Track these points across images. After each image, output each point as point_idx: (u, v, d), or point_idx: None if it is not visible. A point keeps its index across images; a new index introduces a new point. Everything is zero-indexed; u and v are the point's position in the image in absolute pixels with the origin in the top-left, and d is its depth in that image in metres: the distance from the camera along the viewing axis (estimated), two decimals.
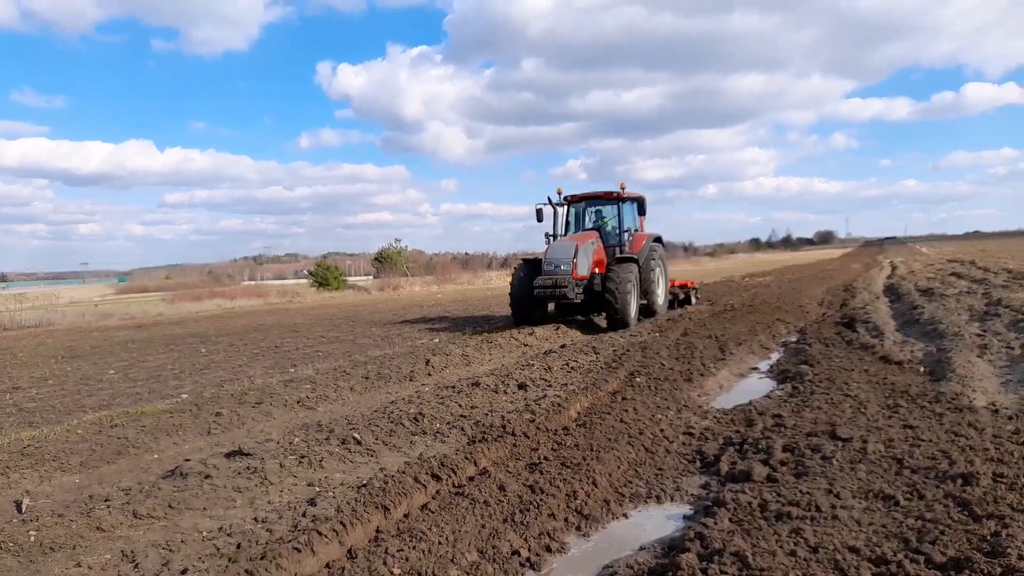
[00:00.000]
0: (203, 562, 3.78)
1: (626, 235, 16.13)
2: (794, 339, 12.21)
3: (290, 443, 6.21)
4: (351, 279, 50.10)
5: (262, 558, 3.77)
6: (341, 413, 7.68)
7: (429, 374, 10.17)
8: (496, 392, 8.23)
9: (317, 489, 5.01)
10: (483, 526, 4.33)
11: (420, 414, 7.03)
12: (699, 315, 16.04)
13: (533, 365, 9.93)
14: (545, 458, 5.62)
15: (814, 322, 14.17)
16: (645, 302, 15.43)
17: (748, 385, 8.99)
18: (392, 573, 3.72)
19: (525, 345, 12.86)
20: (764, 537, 3.86)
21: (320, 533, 4.06)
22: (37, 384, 10.82)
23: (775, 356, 10.93)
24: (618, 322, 14.10)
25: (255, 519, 4.45)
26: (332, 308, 27.42)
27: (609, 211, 16.84)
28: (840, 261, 51.51)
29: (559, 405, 7.18)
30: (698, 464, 5.61)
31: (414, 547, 3.99)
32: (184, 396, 8.97)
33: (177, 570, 3.69)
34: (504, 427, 6.37)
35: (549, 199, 16.23)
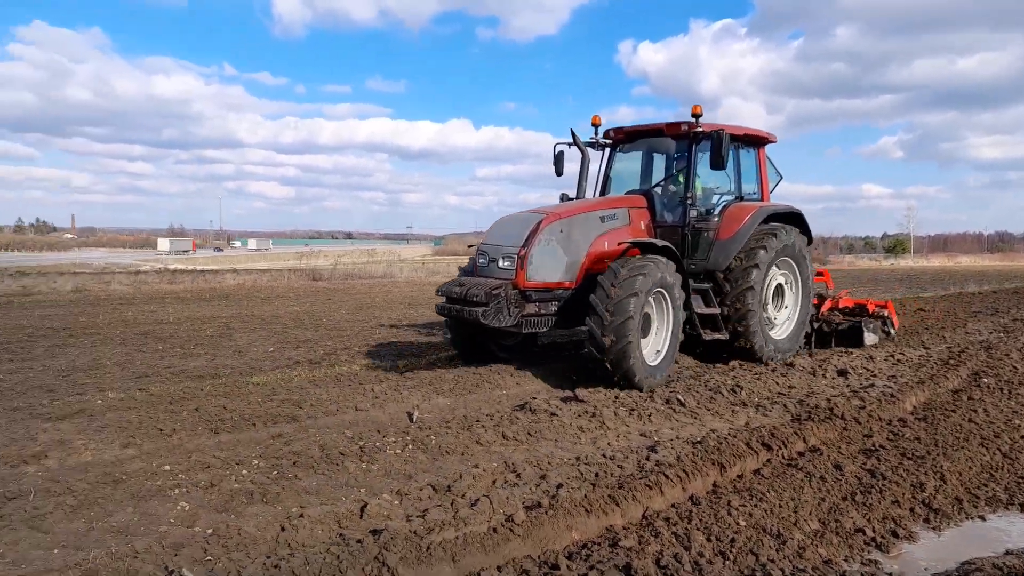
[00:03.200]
0: (572, 482, 4.43)
1: (700, 202, 8.82)
2: None
3: (616, 396, 6.83)
4: None
5: (620, 487, 4.30)
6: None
7: None
8: (813, 375, 8.01)
9: (654, 440, 5.46)
10: (822, 499, 4.40)
11: (738, 386, 7.17)
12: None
13: (852, 352, 9.41)
14: (881, 446, 5.44)
15: None
16: (724, 336, 8.49)
17: None
18: (737, 523, 3.99)
19: None
20: None
21: (666, 476, 4.49)
22: (397, 324, 13.07)
23: None
24: (611, 376, 7.08)
25: (603, 455, 5.04)
26: None
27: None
28: None
29: (892, 396, 6.80)
30: None
31: (755, 505, 4.22)
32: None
33: (553, 484, 4.38)
34: (831, 410, 6.26)
35: (574, 135, 9.19)
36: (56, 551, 3.54)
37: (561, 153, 9.59)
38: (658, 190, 9.13)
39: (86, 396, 6.83)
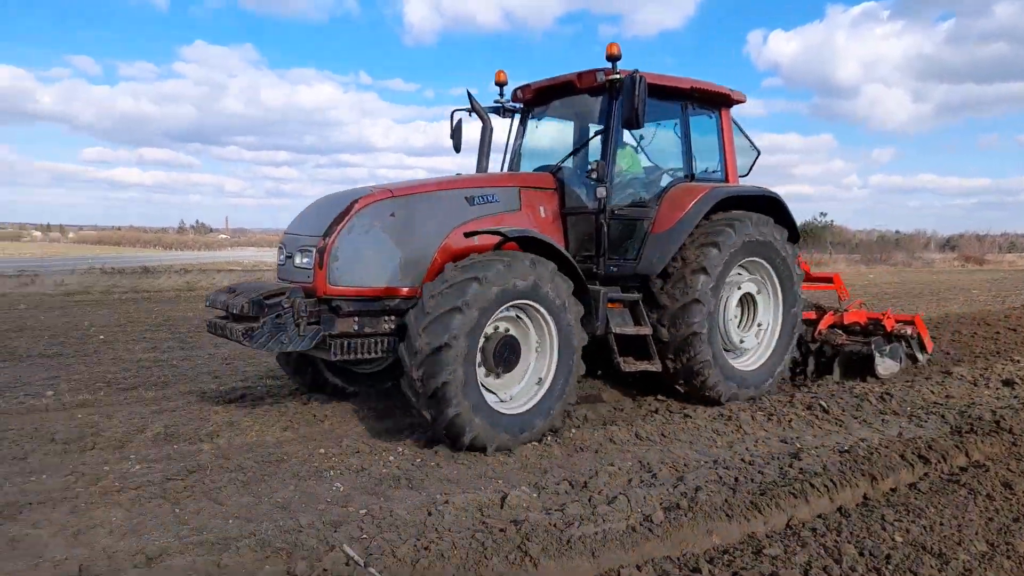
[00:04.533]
0: (710, 485, 4.35)
1: (629, 180, 6.81)
2: None
3: (752, 398, 6.62)
4: None
5: (762, 494, 4.18)
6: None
7: None
8: (975, 385, 7.37)
9: (796, 447, 5.25)
10: (990, 519, 4.06)
11: (887, 394, 6.73)
12: None
13: (1020, 361, 8.56)
14: None
15: None
16: (653, 367, 6.28)
17: None
18: (893, 539, 3.77)
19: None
20: None
21: (812, 485, 4.31)
22: None
23: None
24: (443, 434, 5.02)
25: (742, 460, 4.91)
26: None
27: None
28: None
29: None
30: None
31: (912, 521, 3.96)
32: None
33: (691, 486, 4.32)
34: (997, 423, 5.74)
35: (470, 98, 7.24)
36: (231, 521, 3.91)
37: (460, 122, 7.35)
38: (570, 165, 6.83)
39: (248, 382, 7.47)
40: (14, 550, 3.55)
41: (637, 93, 5.68)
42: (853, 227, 61.23)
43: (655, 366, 6.25)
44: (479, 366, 5.14)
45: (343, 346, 5.18)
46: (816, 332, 8.01)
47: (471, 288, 4.88)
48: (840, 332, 8.08)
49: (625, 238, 6.54)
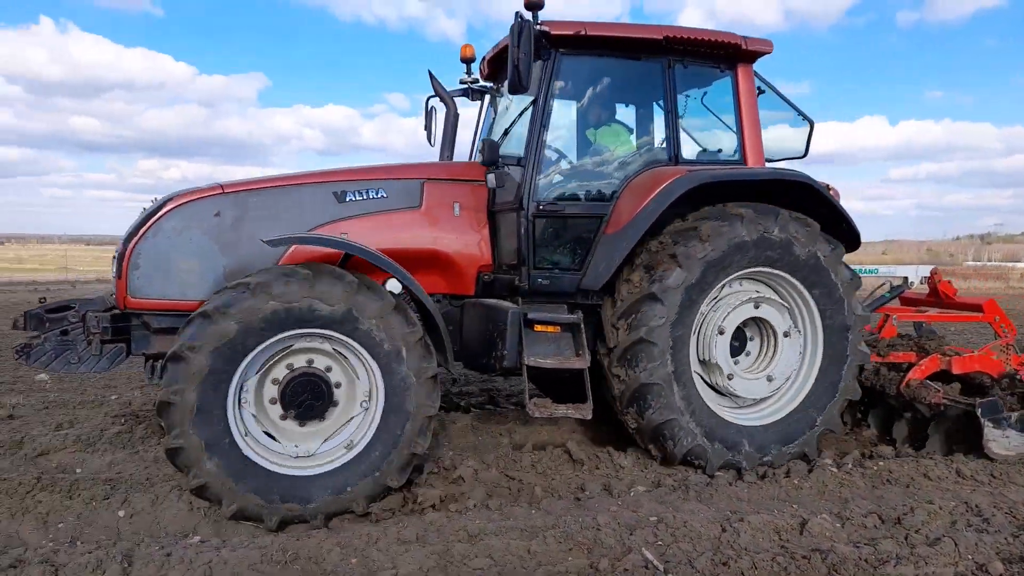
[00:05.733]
0: None
1: (581, 166, 5.55)
2: None
3: None
4: None
5: None
6: None
7: None
8: None
9: None
10: None
11: None
12: None
13: None
14: None
15: None
16: (581, 413, 4.74)
17: None
18: None
19: None
20: None
21: None
22: None
23: None
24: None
25: None
26: None
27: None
28: None
29: None
30: None
31: None
32: None
33: None
34: None
35: (432, 79, 6.06)
36: (534, 511, 4.24)
37: (433, 110, 6.30)
38: (504, 151, 5.40)
39: None
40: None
41: (519, 45, 4.46)
42: None
43: (580, 412, 4.74)
44: (272, 403, 4.22)
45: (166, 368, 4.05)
46: (903, 383, 5.49)
47: (241, 300, 3.96)
48: (934, 387, 5.32)
49: (567, 242, 5.20)
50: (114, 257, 4.59)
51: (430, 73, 5.88)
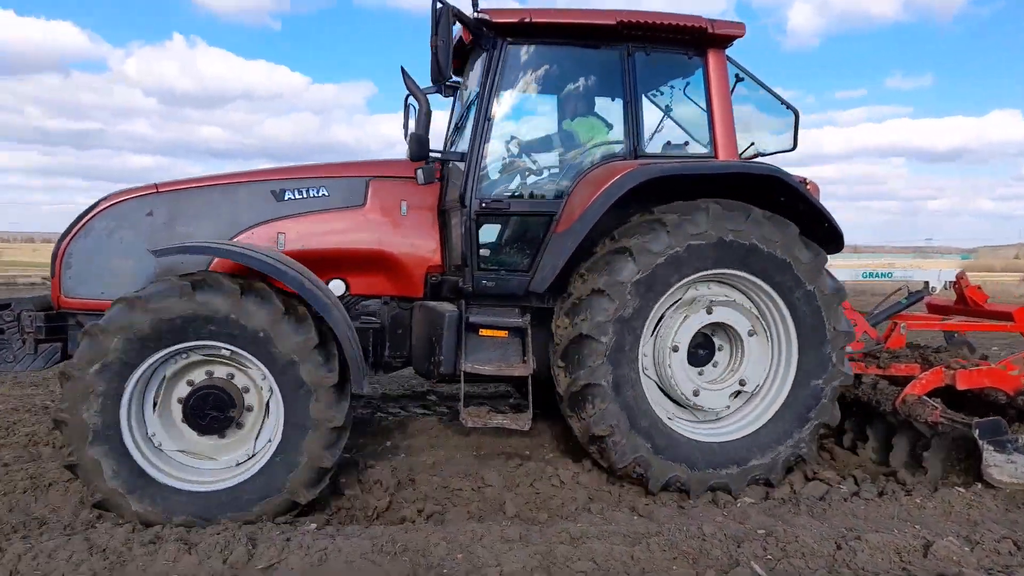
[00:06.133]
0: None
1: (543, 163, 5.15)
2: None
3: None
4: None
5: None
6: None
7: None
8: None
9: None
10: None
11: None
12: None
13: None
14: None
15: None
16: (518, 424, 4.53)
17: None
18: None
19: None
20: None
21: None
22: None
23: None
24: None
25: None
26: None
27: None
28: None
29: None
30: None
31: None
32: None
33: None
34: None
35: (404, 75, 4.86)
36: (636, 517, 4.21)
37: (410, 108, 5.86)
38: (455, 148, 5.30)
39: None
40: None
41: (437, 32, 4.21)
42: None
43: (516, 423, 4.54)
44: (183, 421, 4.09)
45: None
46: (899, 400, 4.95)
47: (120, 316, 3.83)
48: (931, 403, 4.78)
49: (514, 241, 4.95)
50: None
51: (403, 70, 5.44)
